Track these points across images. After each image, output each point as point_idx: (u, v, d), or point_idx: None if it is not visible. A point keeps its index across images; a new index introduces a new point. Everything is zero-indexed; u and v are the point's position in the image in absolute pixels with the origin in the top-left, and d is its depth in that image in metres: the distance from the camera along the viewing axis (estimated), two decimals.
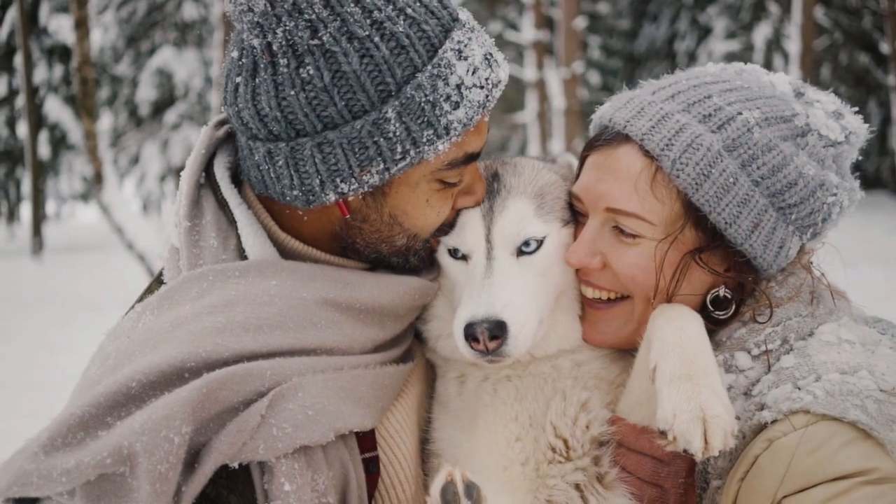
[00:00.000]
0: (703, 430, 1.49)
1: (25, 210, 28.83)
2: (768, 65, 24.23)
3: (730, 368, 1.78)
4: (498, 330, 1.79)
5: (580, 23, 18.72)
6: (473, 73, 1.72)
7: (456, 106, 1.70)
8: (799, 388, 1.63)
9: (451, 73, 1.69)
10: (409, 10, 1.68)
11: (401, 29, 1.66)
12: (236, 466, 1.53)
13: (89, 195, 29.49)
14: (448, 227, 1.96)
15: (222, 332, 1.58)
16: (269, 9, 1.64)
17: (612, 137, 1.92)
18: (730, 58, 25.98)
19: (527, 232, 1.93)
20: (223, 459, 1.49)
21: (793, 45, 17.36)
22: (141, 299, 1.82)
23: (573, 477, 1.85)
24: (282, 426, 1.55)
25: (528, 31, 20.42)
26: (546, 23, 21.38)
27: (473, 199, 1.93)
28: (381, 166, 1.69)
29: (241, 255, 1.80)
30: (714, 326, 1.86)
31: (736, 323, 1.84)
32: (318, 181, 1.71)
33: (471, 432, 1.92)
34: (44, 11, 26.34)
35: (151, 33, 31.34)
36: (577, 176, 2.04)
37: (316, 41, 1.63)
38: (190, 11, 30.77)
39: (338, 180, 1.70)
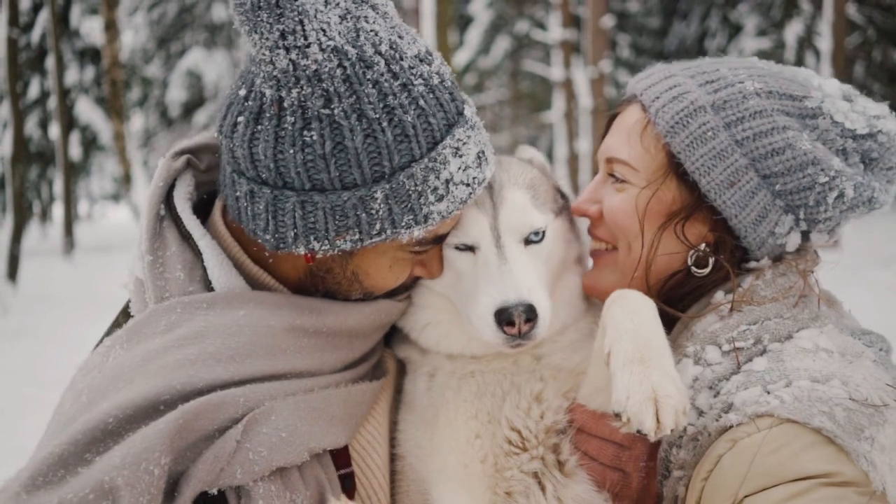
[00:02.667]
0: (655, 409, 1.51)
1: (58, 210, 29.23)
2: (799, 63, 23.85)
3: (698, 360, 1.80)
4: (531, 313, 1.83)
5: (607, 21, 18.63)
6: (464, 170, 1.78)
7: (440, 199, 1.75)
8: (768, 392, 1.64)
9: (444, 169, 1.74)
10: (421, 101, 1.71)
11: (409, 119, 1.69)
12: (215, 492, 1.55)
13: (120, 195, 29.82)
14: (403, 288, 2.02)
15: (195, 363, 1.60)
16: (291, 69, 1.65)
17: (626, 99, 2.06)
18: (761, 56, 25.61)
19: (532, 222, 1.99)
20: (202, 487, 1.51)
21: (824, 42, 17.13)
22: (109, 333, 1.83)
23: (529, 466, 1.89)
24: (257, 450, 1.57)
25: (555, 31, 20.38)
26: (573, 22, 21.33)
27: (427, 272, 1.99)
28: (357, 237, 1.74)
29: (208, 285, 1.82)
30: (695, 293, 1.93)
31: (713, 316, 1.85)
32: (292, 234, 1.74)
33: (432, 431, 1.95)
34: (75, 14, 26.70)
35: (181, 35, 31.67)
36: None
37: (327, 111, 1.66)
38: (219, 13, 31.02)
39: (311, 238, 1.74)
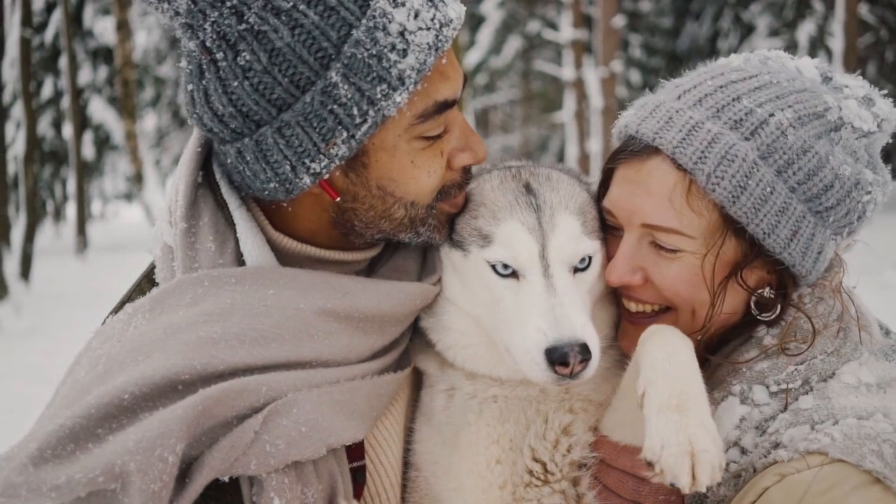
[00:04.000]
0: (692, 464, 1.44)
1: (71, 210, 29.36)
2: None
3: (745, 400, 1.75)
4: (585, 352, 1.72)
5: (618, 21, 18.57)
6: (415, 17, 1.62)
7: (403, 54, 1.60)
8: (815, 430, 1.62)
9: (390, 22, 1.60)
10: None
11: None
12: (226, 480, 1.52)
13: (132, 195, 29.96)
14: (456, 188, 1.87)
15: (217, 343, 1.55)
16: (192, 5, 1.60)
17: (640, 150, 1.87)
18: None
19: (583, 250, 1.88)
20: (214, 474, 1.48)
21: (836, 42, 17.04)
22: (130, 298, 1.79)
23: (550, 500, 1.83)
24: (275, 442, 1.53)
25: (566, 30, 20.34)
26: (584, 22, 21.27)
27: (472, 156, 1.84)
28: (345, 135, 1.62)
29: (239, 259, 1.76)
30: (752, 331, 1.85)
31: (759, 354, 1.80)
32: (288, 167, 1.66)
33: (452, 450, 1.89)
34: (88, 14, 26.82)
35: None
36: (602, 187, 2.00)
37: (244, 25, 1.58)
38: None
39: (306, 160, 1.65)
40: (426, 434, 1.95)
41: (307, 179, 1.68)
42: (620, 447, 1.77)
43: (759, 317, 1.84)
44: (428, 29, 1.63)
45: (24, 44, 17.61)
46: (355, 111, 1.61)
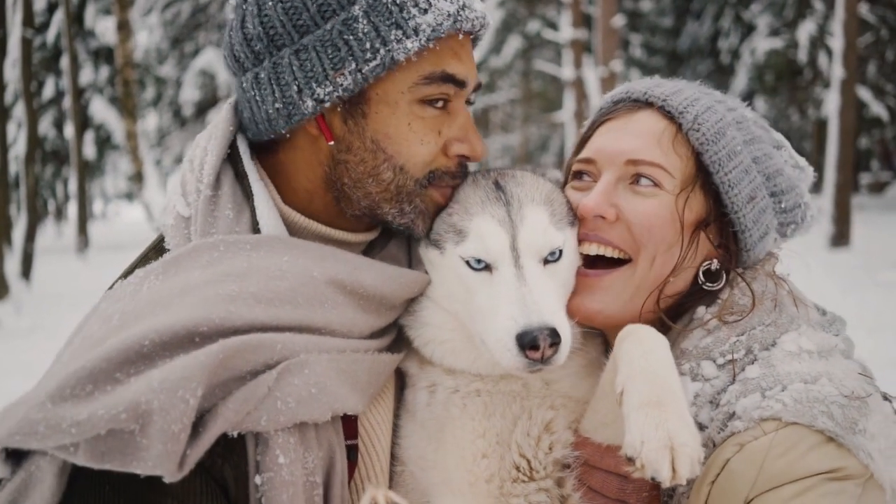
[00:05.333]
0: (671, 458, 1.47)
1: (72, 209, 29.41)
2: (812, 62, 23.86)
3: (696, 377, 1.81)
4: (555, 336, 1.75)
5: (618, 21, 18.61)
6: None
7: (424, 11, 1.76)
8: (766, 398, 1.69)
9: None
10: None
11: None
12: (235, 436, 1.54)
13: (133, 194, 30.00)
14: (448, 177, 1.93)
15: (235, 300, 1.59)
16: None
17: (629, 106, 2.02)
18: (773, 55, 25.70)
19: (552, 242, 1.92)
20: (227, 426, 1.49)
21: (836, 41, 17.07)
22: (134, 268, 1.81)
23: (536, 498, 1.85)
24: (286, 400, 1.56)
25: (566, 30, 20.37)
26: (584, 21, 21.31)
27: (469, 148, 1.91)
28: (353, 66, 1.75)
29: (254, 228, 1.83)
30: (694, 305, 1.94)
31: (701, 331, 1.87)
32: (295, 88, 1.78)
33: (438, 445, 1.91)
34: (90, 14, 26.89)
35: (195, 35, 31.77)
36: (578, 150, 2.13)
37: None
38: None
39: (313, 84, 1.76)
40: (410, 430, 1.98)
41: (309, 104, 1.78)
42: (604, 448, 1.78)
43: (705, 286, 1.93)
44: (450, 2, 1.79)
45: (26, 44, 17.66)
46: (367, 46, 1.74)
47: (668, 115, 1.94)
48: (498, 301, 1.84)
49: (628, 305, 1.93)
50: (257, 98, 1.84)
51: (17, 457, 1.46)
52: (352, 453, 1.80)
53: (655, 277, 1.92)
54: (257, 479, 1.57)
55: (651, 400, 1.56)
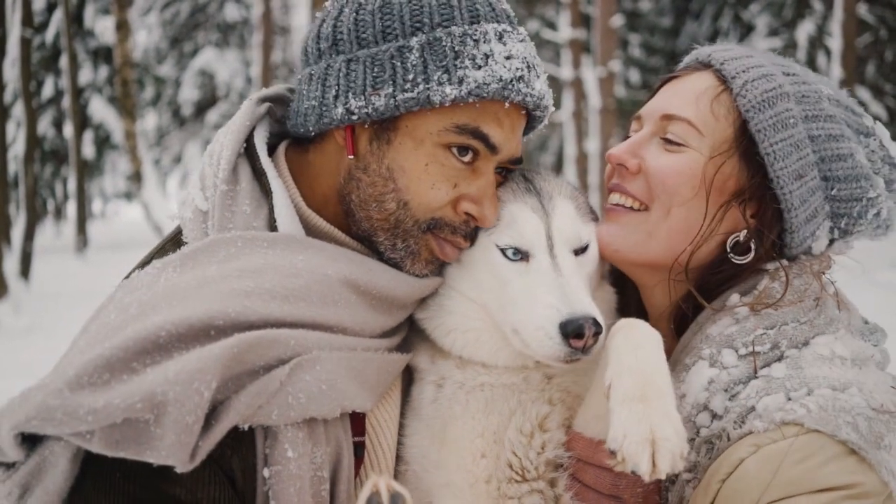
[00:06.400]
0: (652, 451, 1.48)
1: (71, 208, 29.39)
2: (811, 62, 23.86)
3: (714, 363, 1.78)
4: (598, 326, 1.78)
5: (617, 21, 18.61)
6: (508, 58, 1.82)
7: (478, 67, 1.79)
8: (790, 400, 1.65)
9: (485, 43, 1.81)
10: None
11: None
12: (245, 428, 1.57)
13: (132, 194, 29.99)
14: (450, 230, 1.91)
15: (250, 295, 1.62)
16: None
17: (694, 66, 2.01)
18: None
19: (581, 233, 1.96)
20: (238, 419, 1.52)
21: (835, 42, 17.07)
22: (153, 258, 1.85)
23: (530, 499, 1.86)
24: (297, 395, 1.59)
25: (564, 30, 20.36)
26: (583, 21, 21.30)
27: (479, 211, 1.89)
28: (390, 90, 1.79)
29: (271, 225, 1.85)
30: (729, 281, 1.89)
31: (729, 319, 1.83)
32: (333, 93, 1.84)
33: (441, 445, 1.93)
34: (89, 13, 26.85)
35: (194, 34, 31.81)
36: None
37: None
38: (232, 13, 31.14)
39: (350, 94, 1.82)
40: (415, 428, 1.98)
41: (340, 111, 1.83)
42: (595, 442, 1.78)
43: (732, 258, 1.89)
44: (507, 69, 1.81)
45: (25, 43, 17.62)
46: (410, 77, 1.79)
47: (722, 78, 1.91)
48: (536, 290, 1.87)
49: (639, 249, 1.95)
50: (304, 92, 1.92)
51: (31, 441, 1.50)
52: (358, 450, 1.82)
53: (671, 230, 1.92)
54: (265, 472, 1.60)
55: (636, 394, 1.56)
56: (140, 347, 1.46)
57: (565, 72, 20.33)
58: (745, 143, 1.85)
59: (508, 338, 1.92)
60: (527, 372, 1.97)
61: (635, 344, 1.67)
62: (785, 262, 1.87)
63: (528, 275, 1.90)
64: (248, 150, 1.96)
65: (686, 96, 1.93)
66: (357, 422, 1.83)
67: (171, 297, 1.59)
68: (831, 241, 1.94)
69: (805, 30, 23.66)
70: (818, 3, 23.69)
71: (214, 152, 1.94)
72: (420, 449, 1.96)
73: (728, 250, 1.89)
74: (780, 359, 1.75)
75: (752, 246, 1.87)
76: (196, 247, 1.75)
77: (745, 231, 1.88)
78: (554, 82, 20.29)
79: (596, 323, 1.78)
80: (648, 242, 1.94)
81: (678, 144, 1.91)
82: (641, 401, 1.55)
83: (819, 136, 1.85)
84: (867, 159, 1.89)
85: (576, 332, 1.76)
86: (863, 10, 21.62)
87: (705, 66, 1.97)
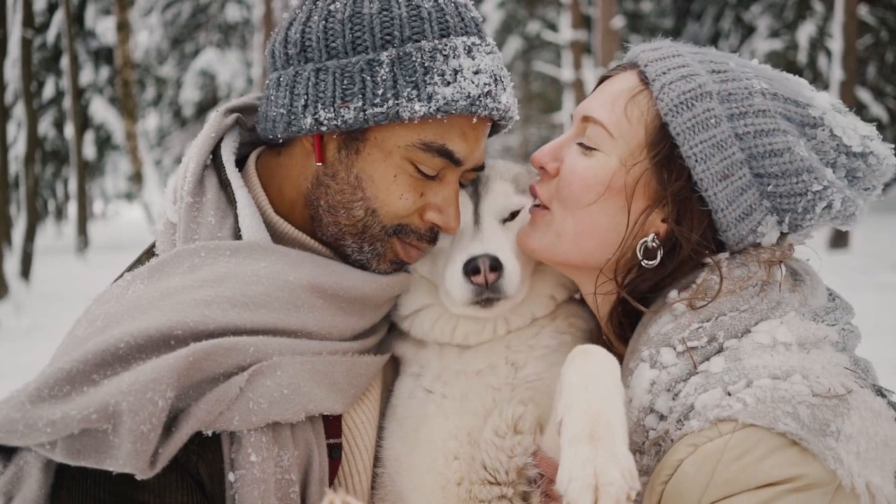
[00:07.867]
0: (595, 497, 1.41)
1: (72, 209, 29.42)
2: (812, 63, 23.87)
3: (654, 364, 1.74)
4: (496, 262, 1.90)
5: (618, 22, 18.62)
6: (476, 73, 1.83)
7: (447, 83, 1.80)
8: (729, 394, 1.60)
9: (454, 58, 1.82)
10: (441, 1, 1.86)
11: (426, 6, 1.84)
12: (209, 434, 1.59)
13: (133, 194, 30.02)
14: (415, 236, 1.96)
15: (210, 304, 1.64)
16: None
17: (623, 66, 1.97)
18: (773, 56, 25.71)
19: (510, 205, 2.06)
20: (199, 426, 1.55)
21: (835, 43, 17.07)
22: (130, 269, 1.87)
23: None
24: (258, 401, 1.61)
25: (565, 31, 20.39)
26: (584, 22, 21.32)
27: (443, 220, 1.94)
28: (360, 104, 1.80)
29: (236, 234, 1.88)
30: (666, 280, 1.84)
31: (668, 316, 1.78)
32: (302, 102, 1.84)
33: (413, 447, 1.95)
34: (90, 14, 26.90)
35: (195, 35, 31.84)
36: None
37: None
38: (233, 13, 31.17)
39: (319, 105, 1.82)
40: (390, 430, 2.01)
41: (309, 121, 1.84)
42: (556, 467, 1.75)
43: (644, 263, 1.84)
44: (476, 84, 1.83)
45: (26, 44, 17.65)
46: (380, 92, 1.80)
47: (645, 80, 1.86)
48: (454, 248, 2.00)
49: (551, 249, 1.95)
50: (272, 97, 1.92)
51: (8, 451, 1.57)
52: (336, 452, 1.84)
53: (578, 233, 1.90)
54: (231, 476, 1.63)
55: (584, 433, 1.50)
56: (100, 359, 1.49)
57: (566, 73, 20.35)
58: (667, 147, 1.80)
59: (443, 300, 2.02)
60: (492, 358, 2.02)
61: (587, 375, 1.62)
62: (723, 255, 1.82)
63: (454, 241, 2.03)
64: (216, 161, 1.98)
65: (604, 97, 1.91)
66: (333, 424, 1.85)
67: (134, 308, 1.62)
68: (783, 235, 1.87)
69: (806, 31, 23.67)
70: (819, 4, 23.71)
71: (183, 165, 1.96)
72: (394, 451, 1.98)
73: (639, 255, 1.84)
74: (719, 351, 1.70)
75: (659, 253, 1.83)
76: (162, 259, 1.78)
77: (654, 235, 1.83)
78: (555, 83, 20.31)
79: (495, 260, 1.90)
80: (557, 243, 1.94)
81: (591, 149, 1.89)
82: (589, 440, 1.49)
83: (748, 133, 1.77)
84: (815, 151, 1.80)
85: (473, 269, 1.90)
86: (864, 11, 21.64)
87: (633, 65, 1.92)
